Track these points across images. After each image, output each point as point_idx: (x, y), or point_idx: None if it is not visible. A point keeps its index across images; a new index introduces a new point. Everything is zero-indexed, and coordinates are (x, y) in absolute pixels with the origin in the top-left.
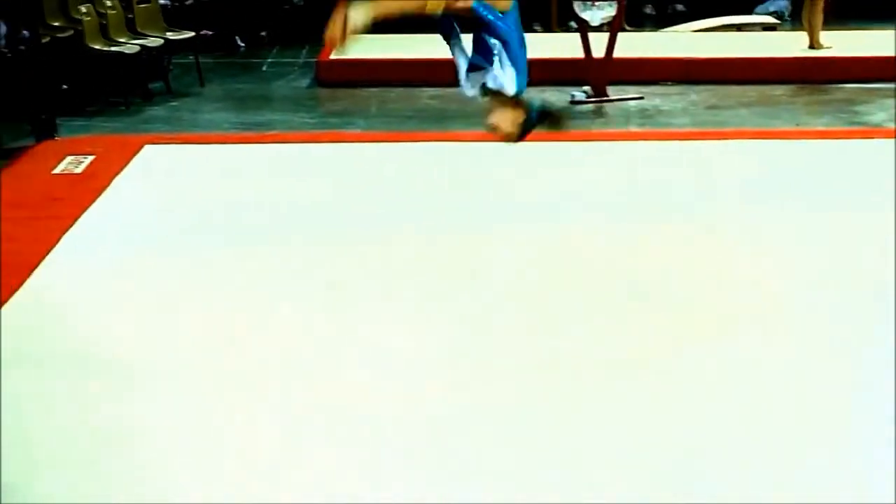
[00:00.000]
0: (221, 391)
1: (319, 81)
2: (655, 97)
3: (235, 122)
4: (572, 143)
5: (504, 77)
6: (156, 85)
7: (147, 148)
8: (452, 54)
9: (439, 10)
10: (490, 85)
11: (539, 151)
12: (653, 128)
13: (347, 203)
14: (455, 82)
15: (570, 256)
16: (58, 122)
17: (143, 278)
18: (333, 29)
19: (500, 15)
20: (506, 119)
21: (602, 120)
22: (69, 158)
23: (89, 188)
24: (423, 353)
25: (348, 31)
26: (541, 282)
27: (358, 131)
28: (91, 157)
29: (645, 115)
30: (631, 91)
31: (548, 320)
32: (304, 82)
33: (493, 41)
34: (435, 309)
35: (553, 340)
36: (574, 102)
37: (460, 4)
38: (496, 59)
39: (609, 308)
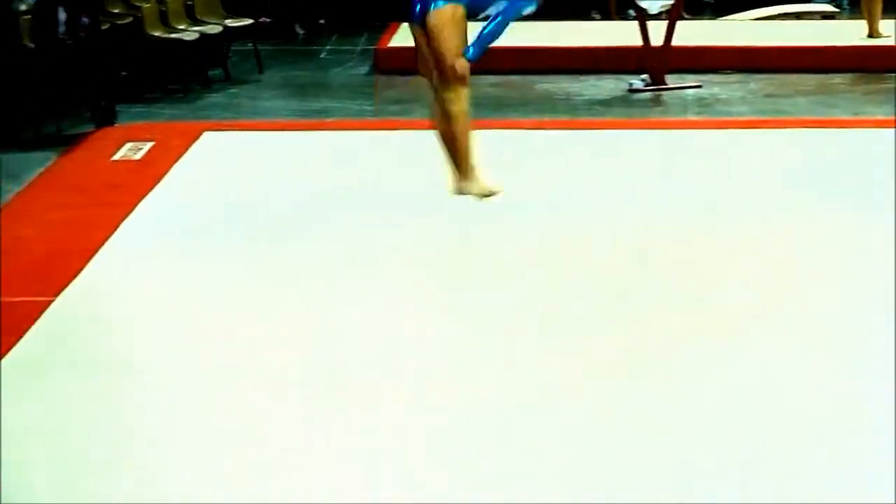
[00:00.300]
0: (268, 388)
1: (378, 69)
2: (714, 85)
3: (294, 110)
4: (629, 131)
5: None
6: (215, 72)
7: (206, 135)
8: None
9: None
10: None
11: (595, 140)
12: (711, 116)
13: (406, 191)
14: (515, 70)
15: (612, 247)
16: (117, 108)
17: (201, 267)
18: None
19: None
20: None
21: (660, 108)
22: (128, 145)
23: (148, 175)
24: (452, 347)
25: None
26: (579, 274)
27: (416, 119)
28: (150, 144)
29: (703, 104)
30: (689, 79)
31: (576, 314)
32: (363, 70)
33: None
34: (465, 302)
35: (574, 336)
36: (632, 91)
37: (461, 72)
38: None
39: (638, 301)
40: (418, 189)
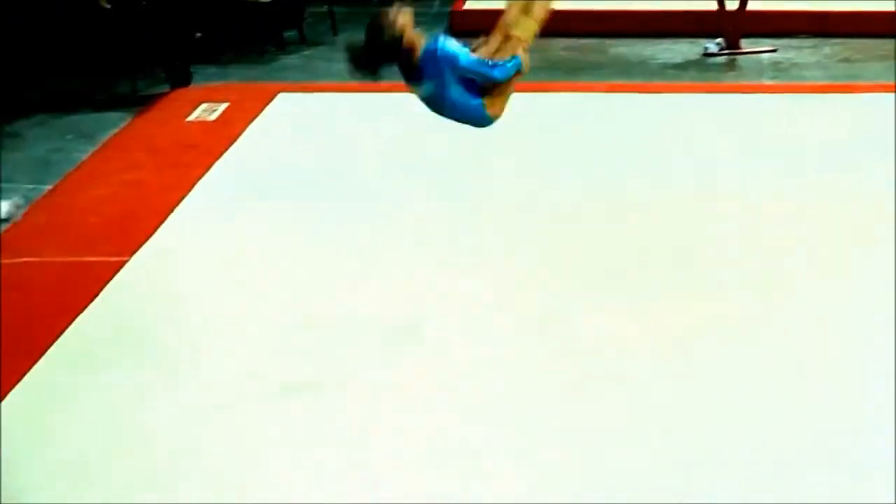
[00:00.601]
0: (325, 360)
1: (453, 31)
2: (789, 50)
3: None
4: (704, 95)
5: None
6: (290, 34)
7: (281, 96)
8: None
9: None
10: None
11: (670, 103)
12: (786, 81)
13: (477, 154)
14: (590, 34)
15: (679, 212)
16: (192, 69)
17: (275, 228)
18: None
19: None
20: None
21: (734, 73)
22: (203, 106)
23: (223, 136)
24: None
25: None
26: (644, 238)
27: None
28: (225, 105)
29: (778, 68)
30: (764, 43)
31: (636, 282)
32: (438, 31)
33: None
34: (521, 268)
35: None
36: (707, 55)
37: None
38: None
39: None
40: (489, 153)
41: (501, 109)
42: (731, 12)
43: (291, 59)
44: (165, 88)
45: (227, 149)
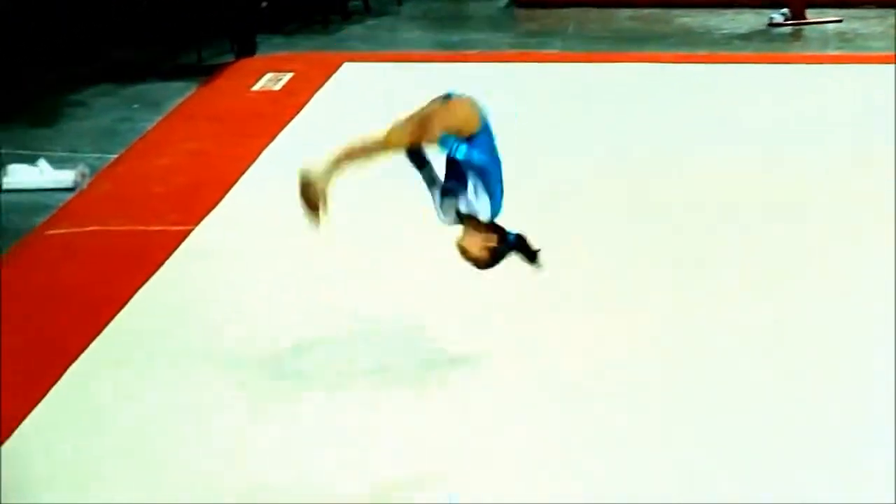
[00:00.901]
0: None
1: (517, 1)
2: (854, 20)
3: (433, 42)
4: (770, 66)
5: (477, 203)
6: (354, 3)
7: (345, 66)
8: (424, 182)
9: (402, 148)
10: (463, 209)
11: (736, 74)
12: (851, 51)
13: (542, 124)
14: (654, 4)
15: (743, 183)
16: (257, 39)
17: (342, 199)
18: (310, 211)
19: (469, 143)
20: (474, 242)
21: (800, 43)
22: (268, 75)
23: (288, 105)
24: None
25: (323, 204)
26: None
27: (555, 52)
28: (290, 75)
29: (843, 39)
30: (830, 14)
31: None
32: (502, 2)
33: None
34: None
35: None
36: (772, 25)
37: (426, 139)
38: (470, 185)
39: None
40: (557, 121)
41: (471, 107)
42: None
43: (356, 29)
44: (231, 58)
45: (291, 118)
